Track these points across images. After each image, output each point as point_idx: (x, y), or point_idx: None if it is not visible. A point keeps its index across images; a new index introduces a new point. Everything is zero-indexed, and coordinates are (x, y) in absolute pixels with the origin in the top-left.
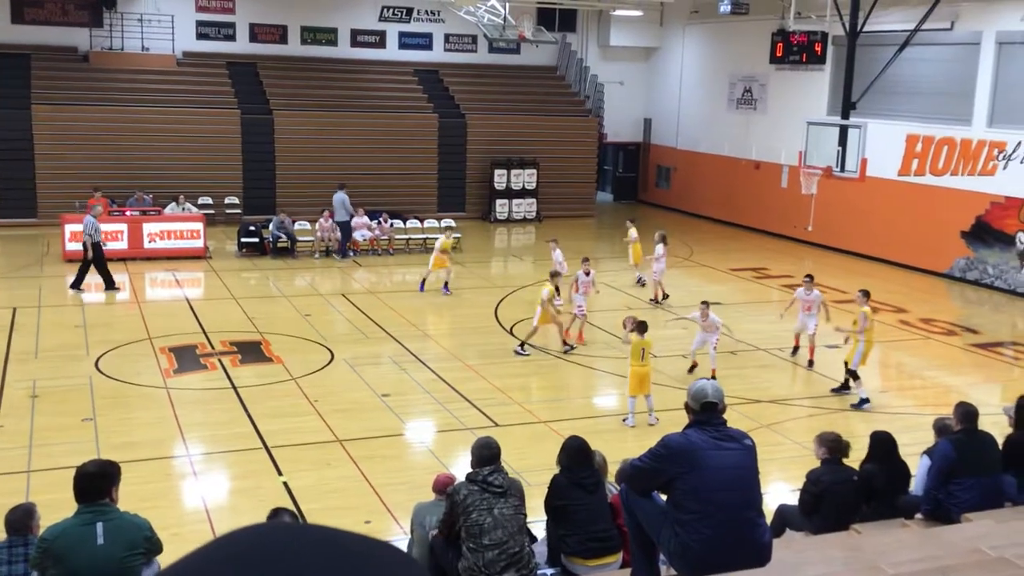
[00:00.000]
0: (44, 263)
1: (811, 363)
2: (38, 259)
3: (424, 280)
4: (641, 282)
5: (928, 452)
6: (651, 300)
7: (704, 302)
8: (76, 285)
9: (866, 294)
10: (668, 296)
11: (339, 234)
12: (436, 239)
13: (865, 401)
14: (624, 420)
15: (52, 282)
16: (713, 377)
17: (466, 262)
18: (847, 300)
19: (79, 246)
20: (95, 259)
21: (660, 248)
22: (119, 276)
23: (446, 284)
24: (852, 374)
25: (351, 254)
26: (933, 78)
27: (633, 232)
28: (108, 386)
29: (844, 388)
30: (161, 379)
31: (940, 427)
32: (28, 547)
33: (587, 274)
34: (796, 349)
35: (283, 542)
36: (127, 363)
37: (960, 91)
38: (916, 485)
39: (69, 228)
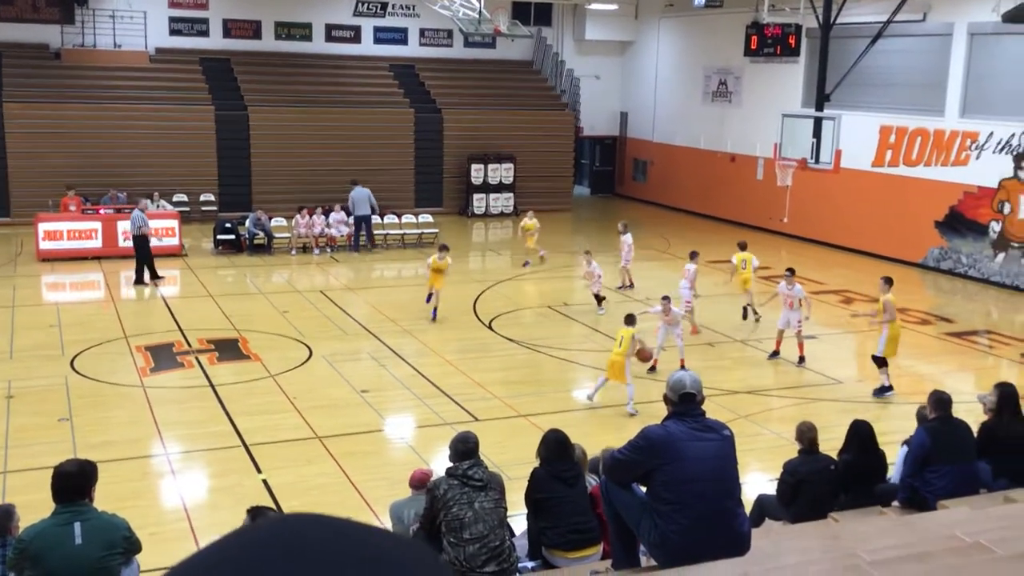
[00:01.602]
0: (18, 263)
1: (801, 359)
2: (11, 259)
3: (435, 307)
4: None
5: (907, 442)
6: (619, 287)
7: (665, 296)
8: (139, 280)
9: (888, 281)
10: (633, 285)
11: (351, 228)
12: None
13: (887, 389)
14: (589, 397)
15: (26, 281)
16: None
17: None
18: (824, 291)
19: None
20: (141, 252)
21: (628, 238)
22: (93, 275)
23: (434, 311)
24: (877, 361)
25: (371, 248)
26: (906, 70)
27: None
28: (84, 385)
29: (887, 390)
30: (138, 378)
31: (921, 416)
32: (7, 548)
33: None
34: (776, 353)
35: (313, 541)
36: (103, 362)
37: (933, 82)
38: (895, 474)
39: (43, 227)
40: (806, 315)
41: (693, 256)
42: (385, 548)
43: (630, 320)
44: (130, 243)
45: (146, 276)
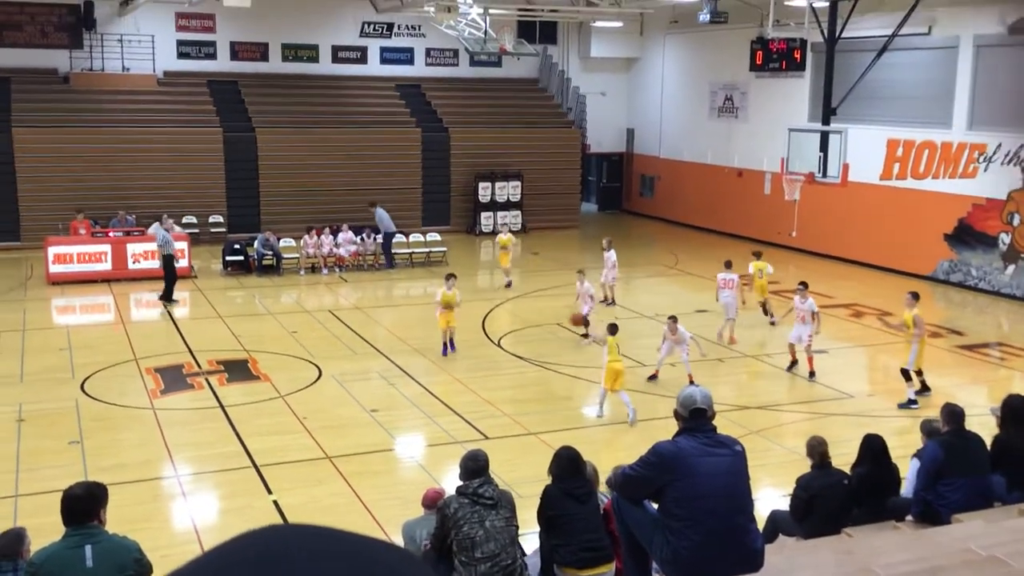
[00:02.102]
0: (28, 286)
1: (812, 374)
2: (21, 282)
3: (445, 344)
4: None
5: (917, 454)
6: (601, 301)
7: (672, 317)
8: (167, 296)
9: (915, 296)
10: (614, 302)
11: (359, 247)
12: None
13: (913, 402)
14: (597, 415)
15: (36, 305)
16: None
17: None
18: (833, 305)
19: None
20: (165, 271)
21: (612, 255)
22: (103, 298)
23: (451, 342)
24: (906, 374)
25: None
26: (912, 82)
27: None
28: (94, 408)
29: (921, 393)
30: (148, 400)
31: (928, 429)
32: (18, 572)
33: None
34: (793, 363)
35: (297, 545)
36: (113, 385)
37: (939, 95)
38: (907, 488)
39: (52, 251)
40: (816, 330)
41: (728, 265)
42: (364, 555)
43: (613, 330)
44: (139, 266)
45: (174, 294)
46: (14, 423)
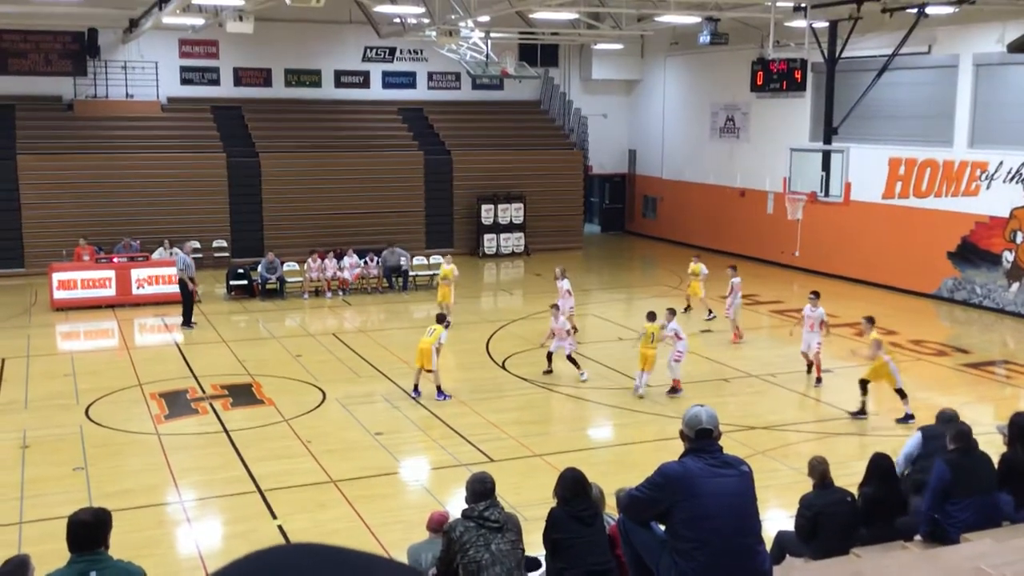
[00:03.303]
0: (32, 313)
1: (819, 380)
2: (26, 309)
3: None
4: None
5: (922, 429)
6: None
7: (670, 309)
8: (187, 323)
9: (870, 320)
10: (576, 331)
11: (362, 270)
12: (427, 274)
13: (910, 416)
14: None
15: (40, 331)
16: (676, 389)
17: (456, 298)
18: (838, 324)
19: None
20: (182, 295)
21: (565, 284)
22: (107, 324)
23: (438, 389)
24: (900, 393)
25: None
26: (913, 101)
27: (703, 268)
28: (99, 434)
29: (861, 413)
30: (152, 425)
31: (946, 417)
32: None
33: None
34: (810, 366)
35: (303, 563)
36: (118, 410)
37: (940, 113)
38: (899, 458)
39: (57, 277)
40: (826, 333)
41: (735, 269)
42: (369, 571)
43: (651, 317)
44: (143, 291)
45: (192, 318)
46: (19, 450)
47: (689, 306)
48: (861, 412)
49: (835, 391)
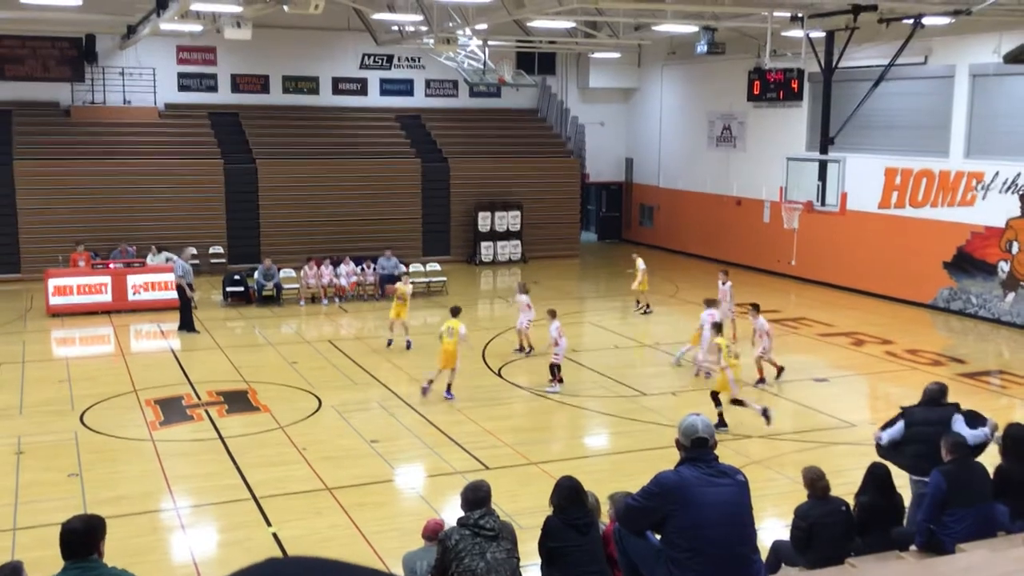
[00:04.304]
0: (28, 318)
1: (761, 380)
2: (21, 314)
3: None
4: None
5: (904, 415)
6: (516, 350)
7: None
8: (189, 328)
9: (755, 307)
10: (532, 349)
11: (360, 278)
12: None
13: (766, 413)
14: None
15: (36, 337)
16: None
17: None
18: (834, 333)
19: (171, 294)
20: (180, 301)
21: (524, 298)
22: (103, 330)
23: (449, 387)
24: (727, 401)
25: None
26: (909, 111)
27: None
28: (94, 440)
29: (721, 425)
30: (147, 432)
31: (930, 396)
32: None
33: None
34: (780, 370)
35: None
36: (113, 416)
37: (936, 124)
38: (886, 435)
39: (52, 282)
40: (769, 346)
41: (725, 272)
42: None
43: (719, 329)
44: (139, 297)
45: (195, 324)
46: (13, 456)
47: (640, 303)
48: (721, 424)
49: (831, 401)
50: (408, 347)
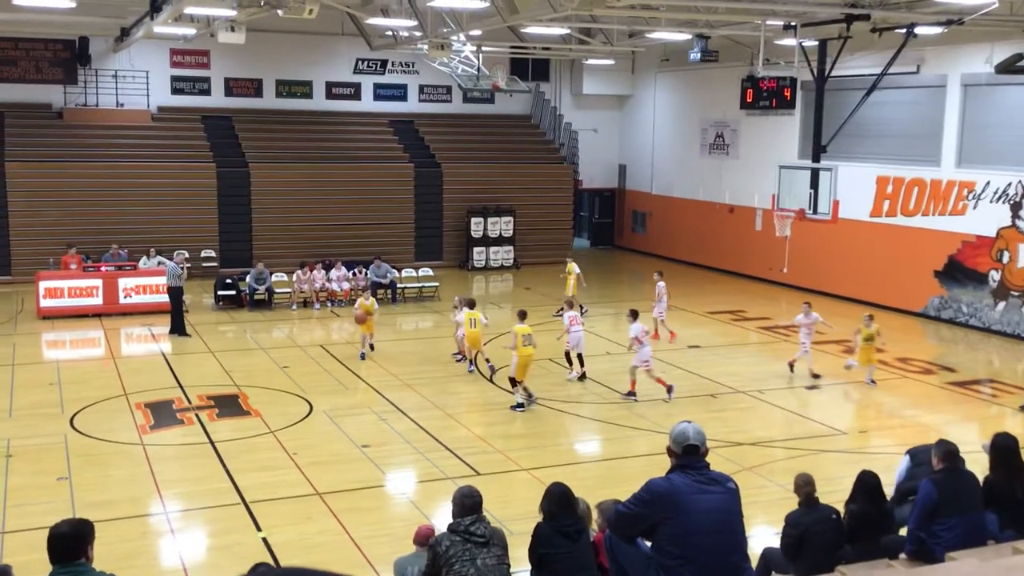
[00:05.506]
0: (18, 321)
1: (630, 393)
2: (11, 317)
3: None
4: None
5: (910, 452)
6: (454, 353)
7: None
8: (181, 331)
9: (522, 314)
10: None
11: (352, 283)
12: (416, 286)
13: (520, 406)
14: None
15: (26, 339)
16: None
17: (443, 311)
18: (825, 341)
19: (163, 298)
20: (172, 305)
21: (461, 315)
22: (93, 333)
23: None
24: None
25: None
26: (901, 120)
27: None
28: (83, 444)
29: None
30: (137, 435)
31: (915, 455)
32: None
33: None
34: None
35: None
36: (103, 420)
37: (928, 133)
38: (896, 476)
39: (43, 285)
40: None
41: (660, 273)
42: None
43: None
44: (130, 300)
45: (186, 327)
46: (2, 459)
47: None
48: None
49: (822, 409)
50: (362, 358)
